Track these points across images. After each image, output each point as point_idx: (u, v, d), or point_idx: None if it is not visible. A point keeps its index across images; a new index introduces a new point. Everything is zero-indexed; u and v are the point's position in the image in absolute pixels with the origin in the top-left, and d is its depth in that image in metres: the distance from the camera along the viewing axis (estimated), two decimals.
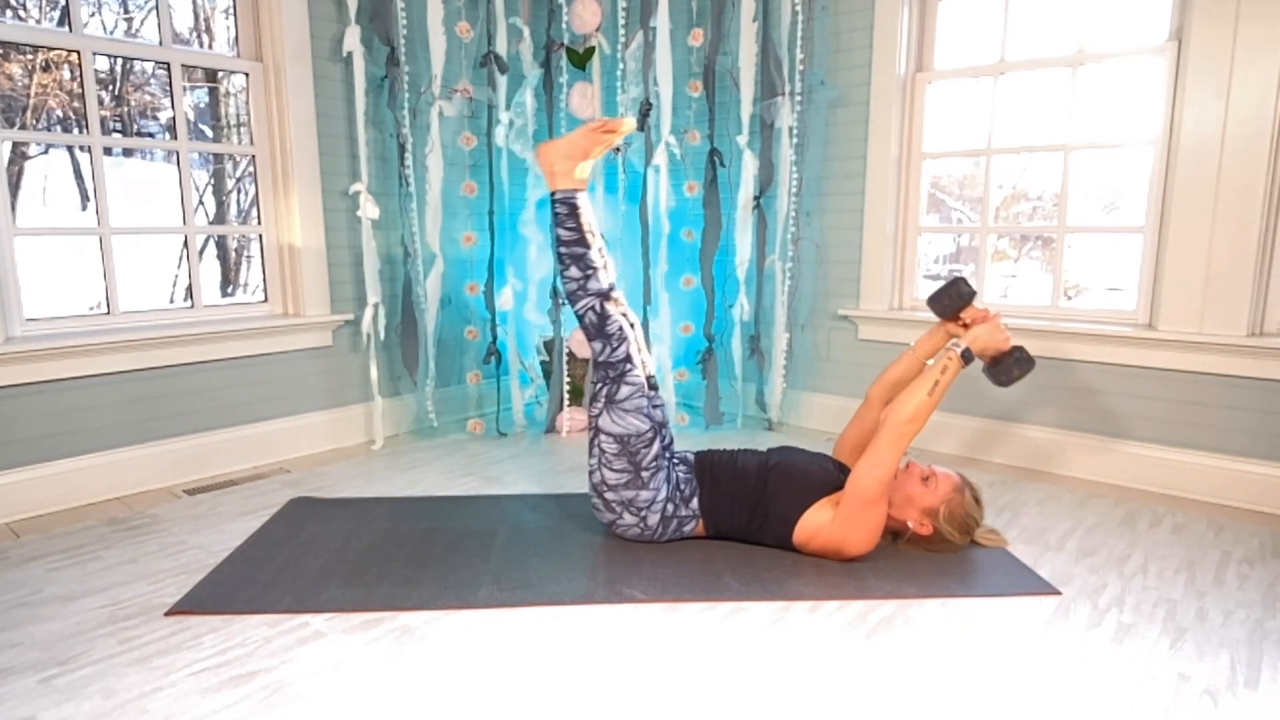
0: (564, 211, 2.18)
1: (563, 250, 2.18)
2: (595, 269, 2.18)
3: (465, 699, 1.52)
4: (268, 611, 1.84)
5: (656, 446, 2.15)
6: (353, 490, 2.72)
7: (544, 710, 1.48)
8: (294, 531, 2.32)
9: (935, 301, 2.22)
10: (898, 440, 1.97)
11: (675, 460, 2.25)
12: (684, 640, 1.73)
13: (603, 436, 2.14)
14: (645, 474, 2.13)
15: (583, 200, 2.21)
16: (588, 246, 2.18)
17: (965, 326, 2.20)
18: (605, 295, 2.18)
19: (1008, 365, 2.10)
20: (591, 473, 2.18)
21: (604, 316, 2.16)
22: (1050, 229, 3.04)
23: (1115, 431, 2.83)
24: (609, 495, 2.16)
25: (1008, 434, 3.04)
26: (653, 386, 2.21)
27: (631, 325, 2.20)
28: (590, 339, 2.18)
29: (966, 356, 2.05)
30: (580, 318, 2.19)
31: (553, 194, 2.21)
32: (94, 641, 1.72)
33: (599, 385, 2.16)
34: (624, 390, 2.13)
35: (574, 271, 2.18)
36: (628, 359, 2.14)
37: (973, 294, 2.18)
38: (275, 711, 1.48)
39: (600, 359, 2.17)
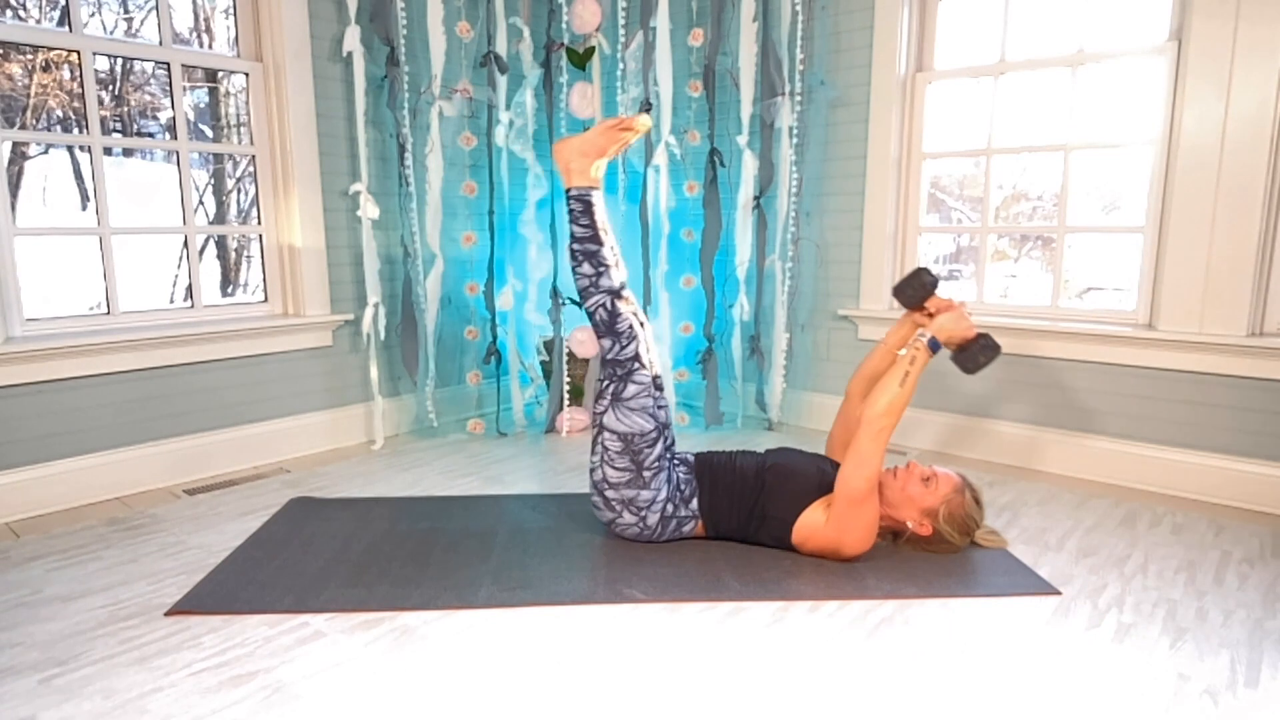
0: (578, 209, 2.20)
1: (575, 247, 2.19)
2: (608, 266, 2.19)
3: (465, 699, 1.52)
4: (268, 611, 1.84)
5: (660, 447, 2.15)
6: (353, 490, 2.72)
7: (544, 710, 1.48)
8: (294, 531, 2.32)
9: (900, 292, 2.26)
10: (877, 435, 1.99)
11: (676, 461, 2.25)
12: (684, 640, 1.73)
13: (606, 434, 2.14)
14: (647, 474, 2.13)
15: (597, 198, 2.22)
16: (600, 244, 2.19)
17: (930, 316, 2.22)
18: (616, 293, 2.19)
19: (973, 352, 2.14)
20: (593, 470, 2.19)
21: (614, 314, 2.17)
22: (1050, 229, 3.03)
23: (1116, 431, 2.83)
24: (610, 494, 2.16)
25: (1008, 434, 3.04)
26: (659, 387, 2.21)
27: (642, 324, 2.21)
28: (600, 336, 2.19)
29: (933, 345, 2.08)
30: (590, 315, 2.20)
31: (568, 191, 2.22)
32: (94, 641, 1.72)
33: (605, 383, 2.17)
34: (630, 389, 2.13)
35: (586, 268, 2.19)
36: (636, 358, 2.15)
37: (935, 283, 2.22)
38: (275, 711, 1.48)
39: (608, 356, 2.17)
